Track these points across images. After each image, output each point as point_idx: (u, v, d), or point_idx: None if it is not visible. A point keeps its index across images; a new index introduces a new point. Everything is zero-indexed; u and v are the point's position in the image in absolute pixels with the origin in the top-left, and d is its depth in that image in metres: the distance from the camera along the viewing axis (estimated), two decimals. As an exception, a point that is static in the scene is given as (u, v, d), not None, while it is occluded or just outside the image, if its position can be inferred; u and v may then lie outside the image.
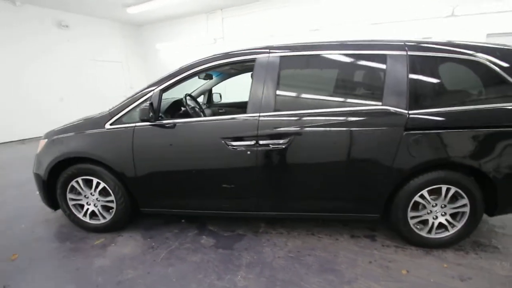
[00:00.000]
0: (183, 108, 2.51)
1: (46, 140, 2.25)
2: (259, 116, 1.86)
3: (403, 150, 1.76)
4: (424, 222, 1.95)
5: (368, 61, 1.86)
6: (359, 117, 1.79)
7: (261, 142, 1.85)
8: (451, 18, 4.57)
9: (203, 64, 2.03)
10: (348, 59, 1.90)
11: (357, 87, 1.94)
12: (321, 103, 1.91)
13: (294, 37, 6.16)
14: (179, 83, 2.07)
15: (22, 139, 6.54)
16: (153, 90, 2.04)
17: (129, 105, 2.07)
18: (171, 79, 2.04)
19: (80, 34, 7.46)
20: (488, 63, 1.73)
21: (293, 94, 2.00)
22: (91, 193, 2.19)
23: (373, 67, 1.86)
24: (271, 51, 1.93)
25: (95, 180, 2.12)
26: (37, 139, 6.40)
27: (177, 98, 2.68)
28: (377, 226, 2.27)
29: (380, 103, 1.78)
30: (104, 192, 2.17)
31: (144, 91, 2.08)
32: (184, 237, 2.19)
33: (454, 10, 4.49)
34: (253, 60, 1.95)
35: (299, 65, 1.99)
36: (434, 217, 1.92)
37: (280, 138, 1.83)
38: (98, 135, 2.07)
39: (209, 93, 3.71)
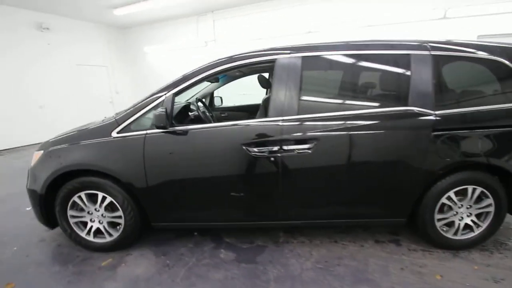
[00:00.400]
0: (192, 114, 2.35)
1: (41, 152, 2.03)
2: (282, 120, 1.76)
3: (431, 152, 1.72)
4: (449, 224, 1.92)
5: (392, 61, 1.81)
6: (385, 119, 1.74)
7: (285, 147, 1.75)
8: (444, 20, 4.73)
9: (218, 66, 1.90)
10: (371, 60, 1.84)
11: (382, 88, 1.89)
12: (345, 106, 1.84)
13: (288, 39, 6.14)
14: (192, 87, 1.94)
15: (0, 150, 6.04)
16: (164, 95, 1.89)
17: (138, 112, 1.91)
18: (184, 82, 1.90)
19: (62, 37, 7.04)
20: (508, 62, 1.75)
21: (317, 96, 1.92)
22: (95, 209, 1.98)
23: (397, 68, 1.81)
24: (292, 51, 1.84)
25: (100, 194, 1.93)
26: (18, 149, 5.95)
27: (185, 103, 2.52)
28: (398, 230, 2.22)
29: (406, 104, 1.74)
30: (109, 207, 1.97)
31: (153, 97, 1.93)
32: (201, 251, 2.04)
33: (446, 12, 4.64)
34: (273, 61, 1.85)
35: (321, 66, 1.91)
36: (460, 218, 1.89)
37: (305, 143, 1.74)
38: (104, 145, 1.88)
39: (210, 97, 3.57)
